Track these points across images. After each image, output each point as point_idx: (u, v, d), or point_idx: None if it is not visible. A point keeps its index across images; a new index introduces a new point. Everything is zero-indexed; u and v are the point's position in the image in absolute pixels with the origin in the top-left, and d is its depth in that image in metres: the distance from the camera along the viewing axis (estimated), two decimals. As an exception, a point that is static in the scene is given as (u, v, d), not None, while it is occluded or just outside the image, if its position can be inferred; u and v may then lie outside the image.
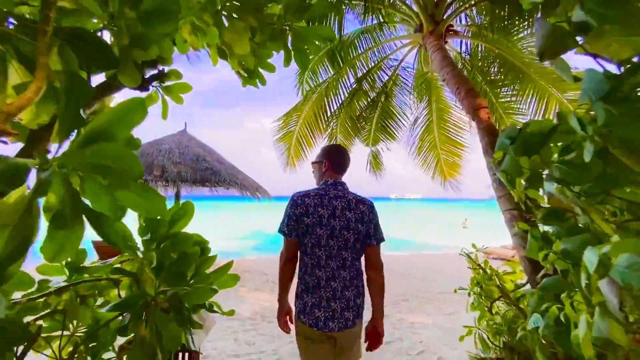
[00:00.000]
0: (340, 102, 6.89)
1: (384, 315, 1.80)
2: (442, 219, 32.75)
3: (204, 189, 6.92)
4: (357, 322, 1.69)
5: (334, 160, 1.87)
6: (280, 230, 1.76)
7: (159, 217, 1.02)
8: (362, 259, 1.79)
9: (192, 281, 1.06)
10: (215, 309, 1.15)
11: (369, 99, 7.04)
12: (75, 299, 0.99)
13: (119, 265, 1.11)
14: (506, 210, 2.38)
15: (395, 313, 4.43)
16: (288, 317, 1.82)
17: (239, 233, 18.18)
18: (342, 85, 6.56)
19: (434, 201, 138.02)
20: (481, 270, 2.28)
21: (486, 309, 2.08)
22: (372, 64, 6.23)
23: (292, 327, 1.80)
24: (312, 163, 1.99)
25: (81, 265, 1.05)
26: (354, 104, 6.82)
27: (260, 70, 1.26)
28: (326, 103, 6.71)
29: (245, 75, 1.26)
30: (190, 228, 1.13)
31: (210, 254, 1.15)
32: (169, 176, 6.08)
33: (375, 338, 1.75)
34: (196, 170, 6.50)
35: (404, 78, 6.43)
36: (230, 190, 6.69)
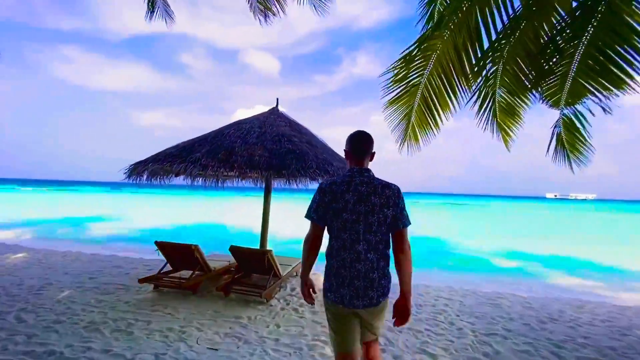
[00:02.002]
0: (502, 26, 3.76)
1: None
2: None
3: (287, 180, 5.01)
4: (381, 301, 1.78)
5: (352, 145, 1.93)
6: (309, 216, 1.85)
7: None
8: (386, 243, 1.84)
9: None
10: None
11: (563, 13, 3.64)
12: None
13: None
14: None
15: None
16: (311, 289, 1.94)
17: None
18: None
19: (619, 203, 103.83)
20: None
21: None
22: None
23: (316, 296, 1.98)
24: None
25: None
26: (529, 28, 3.58)
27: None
28: (475, 31, 3.71)
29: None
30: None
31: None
32: (235, 162, 4.39)
33: (404, 314, 1.80)
34: (273, 154, 4.62)
35: None
36: (317, 180, 4.56)
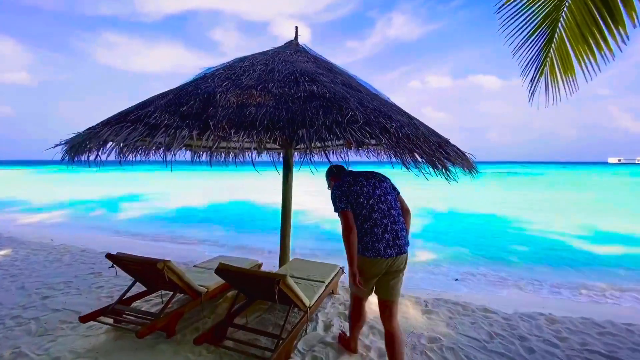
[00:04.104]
0: None
1: None
2: None
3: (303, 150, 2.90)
4: (406, 250, 2.27)
5: (336, 169, 2.64)
6: (340, 208, 2.24)
7: None
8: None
9: None
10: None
11: None
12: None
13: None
14: None
15: None
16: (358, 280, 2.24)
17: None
18: None
19: None
20: None
21: None
22: None
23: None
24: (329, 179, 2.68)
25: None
26: None
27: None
28: None
29: None
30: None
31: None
32: (212, 118, 2.37)
33: None
34: (282, 102, 2.54)
35: None
36: (368, 147, 2.45)
